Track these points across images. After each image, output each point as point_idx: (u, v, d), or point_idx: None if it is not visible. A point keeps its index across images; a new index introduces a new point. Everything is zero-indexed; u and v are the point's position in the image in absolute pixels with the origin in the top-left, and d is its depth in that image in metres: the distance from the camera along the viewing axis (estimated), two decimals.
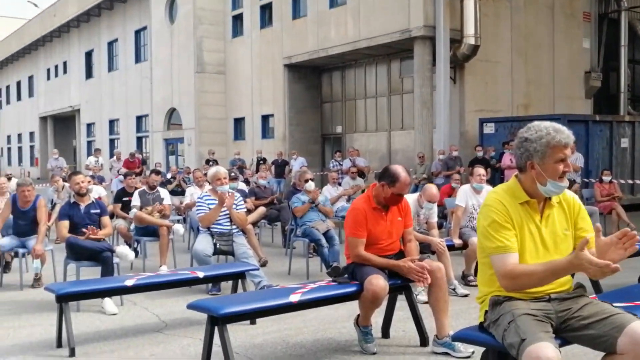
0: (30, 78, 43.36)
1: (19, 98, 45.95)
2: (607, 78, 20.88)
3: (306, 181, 8.38)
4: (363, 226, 4.57)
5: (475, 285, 6.50)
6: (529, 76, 18.59)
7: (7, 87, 48.35)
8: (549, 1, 19.12)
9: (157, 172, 9.18)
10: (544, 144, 2.91)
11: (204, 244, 6.64)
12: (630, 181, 15.28)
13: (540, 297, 2.96)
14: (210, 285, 6.62)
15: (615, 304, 3.11)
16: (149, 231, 8.26)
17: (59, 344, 4.86)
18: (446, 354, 4.49)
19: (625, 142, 15.86)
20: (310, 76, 21.85)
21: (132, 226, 8.62)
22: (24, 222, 7.32)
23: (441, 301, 4.53)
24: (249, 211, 9.02)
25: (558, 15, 19.37)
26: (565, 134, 2.92)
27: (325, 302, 4.64)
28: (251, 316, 4.85)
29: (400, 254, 4.75)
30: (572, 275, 3.13)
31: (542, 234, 3.00)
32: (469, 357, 4.38)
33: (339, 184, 11.91)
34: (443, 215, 9.61)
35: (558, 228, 3.03)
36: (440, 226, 8.45)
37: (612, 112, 19.66)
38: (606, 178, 11.67)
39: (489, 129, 16.22)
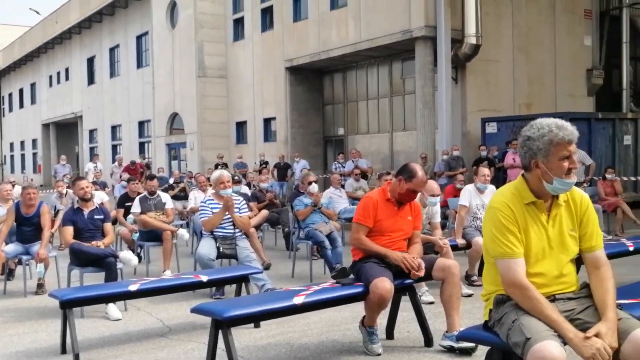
0: (33, 85, 43.52)
1: (21, 105, 46.12)
2: (609, 75, 20.80)
3: (310, 183, 8.36)
4: (370, 215, 4.64)
5: (479, 285, 6.49)
6: (530, 75, 18.56)
7: (10, 95, 48.53)
8: None
9: (152, 178, 9.10)
10: (546, 141, 2.87)
11: (207, 247, 6.63)
12: (633, 178, 15.22)
13: (545, 297, 2.91)
14: (214, 289, 6.61)
15: (620, 301, 3.09)
16: (153, 236, 8.25)
17: (63, 350, 4.86)
18: (451, 347, 4.50)
19: (628, 140, 15.80)
20: (312, 78, 21.85)
21: (136, 236, 8.53)
22: (28, 229, 7.33)
23: (454, 298, 4.55)
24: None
25: (559, 12, 19.32)
26: (569, 130, 2.88)
27: (330, 304, 4.63)
28: (255, 319, 4.85)
29: None
30: (577, 273, 3.12)
31: (549, 234, 2.97)
32: (472, 348, 4.39)
33: (342, 186, 11.89)
34: (445, 216, 9.59)
35: (565, 228, 3.00)
36: (443, 226, 8.42)
37: (614, 110, 19.58)
38: (609, 176, 11.63)
39: (491, 128, 16.19)
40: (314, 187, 8.26)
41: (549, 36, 19.11)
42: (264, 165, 18.31)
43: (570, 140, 2.88)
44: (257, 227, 9.31)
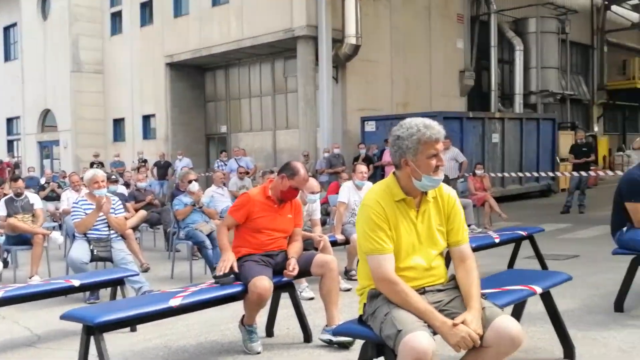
0: None
1: None
2: (479, 77, 22.01)
3: (190, 182, 8.21)
4: (242, 210, 4.67)
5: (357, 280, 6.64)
6: (407, 75, 19.23)
7: None
8: (425, 2, 19.86)
9: (17, 179, 8.57)
10: (415, 140, 2.97)
11: (80, 250, 6.35)
12: (500, 174, 16.18)
13: (416, 289, 3.01)
14: (87, 293, 6.33)
15: (485, 290, 3.27)
16: (21, 240, 7.78)
17: None
18: (330, 341, 4.56)
19: (496, 138, 16.78)
20: (194, 75, 21.49)
21: (2, 239, 8.00)
22: None
23: (333, 292, 4.63)
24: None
25: (434, 16, 20.16)
26: (436, 129, 2.99)
27: (208, 305, 4.55)
28: (130, 323, 4.68)
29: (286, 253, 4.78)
30: (447, 267, 3.26)
31: (418, 230, 3.07)
32: (350, 342, 4.45)
33: (225, 185, 11.75)
34: (327, 212, 9.74)
35: (433, 223, 3.11)
36: (324, 223, 8.56)
37: (484, 109, 20.71)
38: (479, 172, 12.28)
39: (370, 127, 16.62)
40: (194, 186, 8.12)
41: (425, 38, 19.89)
42: (142, 164, 17.76)
43: (437, 139, 2.99)
44: (135, 228, 9.03)
